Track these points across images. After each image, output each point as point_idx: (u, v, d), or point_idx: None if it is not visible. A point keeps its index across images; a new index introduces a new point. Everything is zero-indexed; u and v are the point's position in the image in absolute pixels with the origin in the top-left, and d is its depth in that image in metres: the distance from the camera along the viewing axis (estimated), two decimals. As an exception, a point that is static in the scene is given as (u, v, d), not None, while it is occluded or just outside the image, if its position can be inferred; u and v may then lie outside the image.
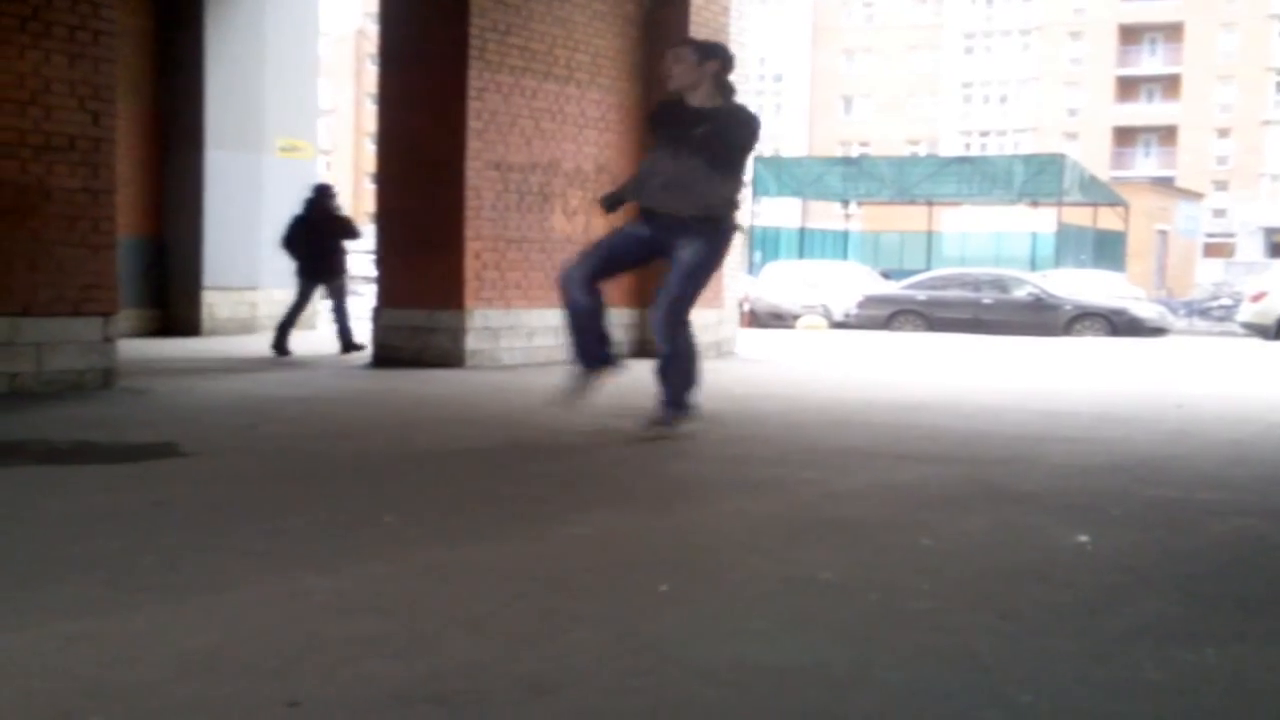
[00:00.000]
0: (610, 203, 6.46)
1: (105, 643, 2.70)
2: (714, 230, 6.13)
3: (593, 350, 6.31)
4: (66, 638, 2.72)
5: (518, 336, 10.95)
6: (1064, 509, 4.49)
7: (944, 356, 13.76)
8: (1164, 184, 54.13)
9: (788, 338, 17.43)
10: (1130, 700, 2.48)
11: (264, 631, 2.80)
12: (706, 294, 6.77)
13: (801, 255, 32.73)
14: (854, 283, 25.24)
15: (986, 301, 21.85)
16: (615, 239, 6.43)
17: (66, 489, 4.65)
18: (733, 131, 6.09)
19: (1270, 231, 66.02)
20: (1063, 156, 34.32)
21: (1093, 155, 62.09)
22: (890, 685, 2.53)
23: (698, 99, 6.12)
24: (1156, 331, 20.94)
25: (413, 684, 2.46)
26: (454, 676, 2.52)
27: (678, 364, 6.21)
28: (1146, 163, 70.27)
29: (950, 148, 68.36)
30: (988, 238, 36.04)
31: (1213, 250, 59.78)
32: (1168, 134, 70.49)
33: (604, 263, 6.31)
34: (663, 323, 6.14)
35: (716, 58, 6.16)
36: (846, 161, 40.60)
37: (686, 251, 6.08)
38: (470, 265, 10.52)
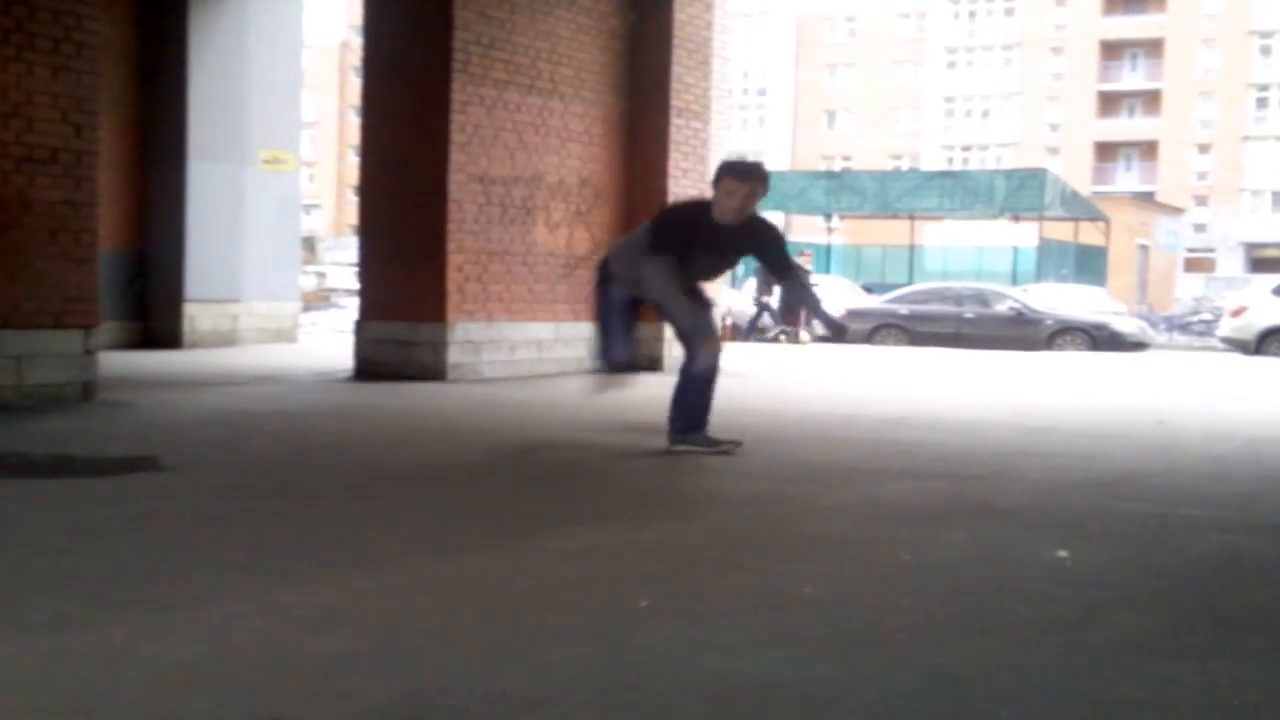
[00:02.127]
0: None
1: (85, 658, 2.69)
2: None
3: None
4: (46, 653, 2.72)
5: (499, 350, 10.94)
6: (1044, 524, 4.51)
7: (925, 371, 13.79)
8: (1145, 199, 54.31)
9: (769, 351, 17.44)
10: (1109, 716, 2.49)
11: (244, 647, 2.80)
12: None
13: (784, 269, 32.64)
14: (836, 296, 25.28)
15: (968, 316, 21.90)
16: None
17: (46, 503, 4.64)
18: None
19: (1250, 246, 66.35)
20: (1044, 171, 34.39)
21: (1074, 170, 62.32)
22: (871, 701, 2.54)
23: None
24: (1137, 346, 21.00)
25: (393, 700, 2.46)
26: (434, 692, 2.52)
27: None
28: (1127, 177, 70.56)
29: (932, 162, 68.51)
30: (969, 252, 36.08)
31: (1193, 265, 60.00)
32: (1149, 149, 70.81)
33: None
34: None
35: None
36: (829, 175, 40.64)
37: None
38: (452, 278, 10.51)
